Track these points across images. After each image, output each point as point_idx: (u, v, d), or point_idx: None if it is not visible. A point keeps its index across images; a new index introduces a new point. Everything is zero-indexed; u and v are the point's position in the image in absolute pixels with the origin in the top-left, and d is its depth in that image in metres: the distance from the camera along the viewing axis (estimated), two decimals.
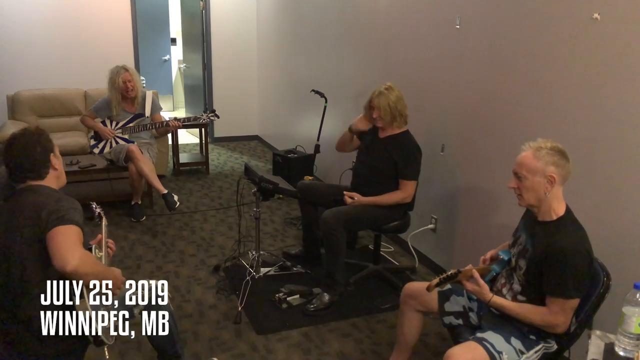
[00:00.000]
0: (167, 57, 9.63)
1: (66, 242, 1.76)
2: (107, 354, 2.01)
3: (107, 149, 4.57)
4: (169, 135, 5.72)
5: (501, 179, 3.08)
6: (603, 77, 2.40)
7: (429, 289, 2.12)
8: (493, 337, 1.99)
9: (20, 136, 2.01)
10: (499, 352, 1.94)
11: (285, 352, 2.83)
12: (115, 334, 2.00)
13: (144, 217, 4.62)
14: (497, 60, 3.05)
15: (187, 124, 4.88)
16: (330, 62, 5.21)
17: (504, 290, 2.11)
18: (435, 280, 2.07)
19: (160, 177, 5.62)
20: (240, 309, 3.13)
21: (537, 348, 2.01)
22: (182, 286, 3.49)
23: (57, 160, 2.05)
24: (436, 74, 3.61)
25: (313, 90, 5.00)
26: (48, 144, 2.04)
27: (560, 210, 1.97)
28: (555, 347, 2.03)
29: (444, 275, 2.05)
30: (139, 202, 4.66)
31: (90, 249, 2.06)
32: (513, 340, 2.00)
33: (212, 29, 7.27)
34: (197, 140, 6.93)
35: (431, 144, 3.64)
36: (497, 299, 2.02)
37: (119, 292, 2.07)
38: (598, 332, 1.74)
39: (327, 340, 2.95)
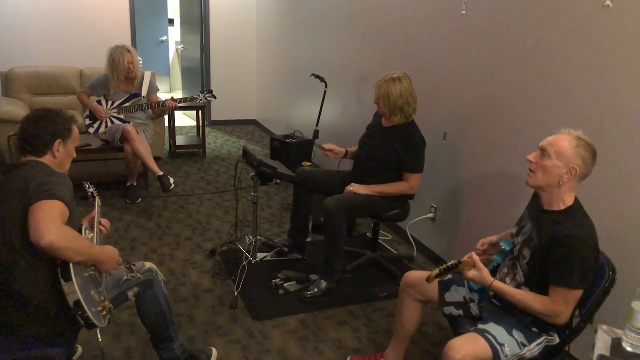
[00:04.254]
0: (164, 38, 9.49)
1: (45, 216, 1.72)
2: (99, 336, 1.97)
3: (102, 129, 4.50)
4: (166, 117, 5.64)
5: (504, 169, 3.04)
6: (615, 66, 2.34)
7: (429, 280, 2.07)
8: (495, 329, 1.96)
9: (41, 111, 2.00)
10: (501, 345, 1.91)
11: (281, 338, 2.80)
12: (109, 316, 1.96)
13: (140, 199, 4.56)
14: (503, 47, 2.99)
15: (183, 105, 4.80)
16: (331, 47, 5.13)
17: (507, 281, 2.07)
18: (436, 271, 2.02)
19: (157, 159, 5.54)
20: (236, 294, 3.09)
21: (539, 341, 1.98)
22: (178, 270, 3.45)
23: (63, 150, 2.00)
24: (440, 60, 3.54)
25: (313, 75, 4.93)
26: (61, 129, 2.00)
27: (569, 201, 1.92)
28: (558, 340, 2.00)
29: (445, 266, 2.00)
30: (135, 184, 4.60)
31: (80, 229, 2.00)
32: (515, 332, 1.97)
33: (211, 10, 7.15)
34: (194, 123, 6.86)
35: (433, 132, 3.59)
36: (498, 284, 1.97)
37: (114, 272, 2.03)
38: (605, 327, 1.70)
39: (324, 327, 2.92)
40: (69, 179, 1.98)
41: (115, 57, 4.36)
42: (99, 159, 4.67)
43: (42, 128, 1.94)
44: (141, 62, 8.16)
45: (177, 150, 6.04)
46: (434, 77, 3.61)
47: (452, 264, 1.98)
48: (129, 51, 4.39)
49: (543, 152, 1.93)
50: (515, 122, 2.94)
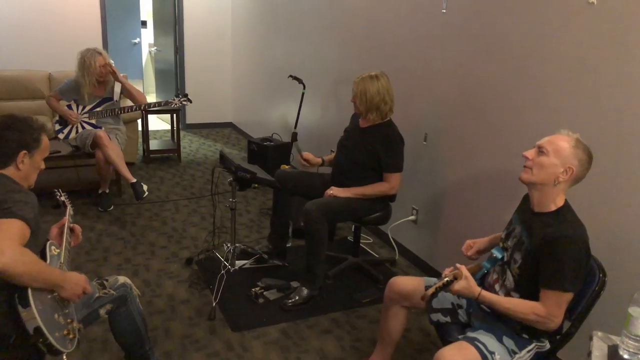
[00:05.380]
0: (137, 40, 9.28)
1: (1, 236, 1.58)
2: None
3: (72, 134, 4.32)
4: (139, 121, 5.48)
5: (486, 169, 2.99)
6: (598, 64, 2.30)
7: (423, 299, 2.02)
8: (484, 337, 1.89)
9: (8, 118, 1.87)
10: (492, 353, 1.84)
11: (262, 350, 2.69)
12: (77, 338, 1.83)
13: (112, 207, 4.40)
14: (485, 46, 2.94)
15: (157, 109, 4.65)
16: (309, 48, 5.04)
17: (497, 287, 2.01)
18: (431, 290, 1.95)
19: (130, 164, 5.37)
20: (214, 304, 2.97)
21: (529, 347, 1.92)
22: (153, 280, 3.31)
23: (28, 162, 1.87)
24: (421, 60, 3.48)
25: (291, 76, 4.83)
26: (29, 140, 1.87)
27: (560, 202, 1.88)
28: (548, 346, 1.95)
29: (440, 283, 1.93)
30: (107, 191, 4.43)
31: (44, 245, 1.87)
32: (505, 339, 1.91)
33: (185, 11, 7.00)
34: (169, 127, 6.68)
35: (414, 133, 3.53)
36: (486, 294, 1.91)
37: (77, 300, 1.87)
38: (600, 334, 1.64)
39: (306, 336, 2.82)
40: (34, 195, 1.85)
41: (87, 60, 4.18)
42: (69, 166, 4.49)
43: (8, 137, 1.81)
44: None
45: (151, 155, 5.86)
46: (415, 78, 3.55)
47: (447, 280, 1.92)
48: (100, 54, 4.22)
49: (540, 149, 1.89)
50: (497, 122, 2.89)
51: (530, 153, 1.92)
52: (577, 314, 1.90)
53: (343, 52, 4.42)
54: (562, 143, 1.85)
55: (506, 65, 2.80)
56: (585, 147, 1.85)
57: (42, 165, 1.95)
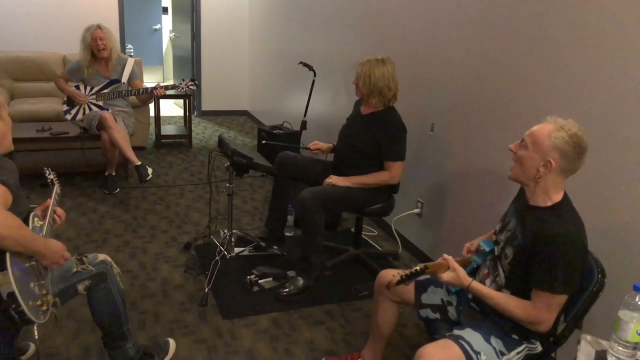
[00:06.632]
0: (157, 27, 9.30)
1: None
2: (35, 333, 1.81)
3: (79, 116, 4.32)
4: (151, 106, 5.46)
5: (495, 162, 2.87)
6: (620, 48, 2.14)
7: (389, 287, 1.89)
8: (471, 336, 1.79)
9: None
10: (477, 353, 1.74)
11: (250, 338, 2.63)
12: (51, 311, 1.80)
13: (117, 189, 4.39)
14: (495, 32, 2.80)
15: (170, 93, 4.61)
16: (321, 35, 4.94)
17: (487, 282, 1.89)
18: (397, 277, 1.81)
19: (140, 149, 5.40)
20: (207, 290, 2.92)
21: (519, 349, 1.81)
22: (149, 263, 3.28)
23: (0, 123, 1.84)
24: (428, 47, 3.36)
25: (301, 63, 4.73)
26: None
27: (557, 197, 1.74)
28: (540, 348, 1.83)
29: (408, 271, 1.80)
30: (113, 174, 4.42)
31: (27, 215, 1.84)
32: (493, 339, 1.80)
33: None
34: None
35: (420, 123, 3.41)
36: (477, 285, 1.80)
37: (56, 267, 1.86)
38: (589, 338, 1.52)
39: (297, 327, 2.75)
40: (12, 162, 1.83)
41: (84, 33, 4.19)
42: (76, 148, 4.49)
43: None
44: (132, 50, 7.96)
45: (162, 140, 5.86)
46: (421, 65, 3.43)
47: (416, 270, 1.79)
48: (98, 27, 4.20)
49: (522, 142, 1.76)
50: (508, 112, 2.75)
51: (514, 145, 1.79)
52: (572, 315, 1.79)
53: (353, 41, 4.31)
54: (541, 134, 1.69)
55: (517, 52, 2.65)
56: (572, 135, 1.66)
57: (10, 121, 1.92)
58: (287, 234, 3.68)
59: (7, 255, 1.64)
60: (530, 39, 2.56)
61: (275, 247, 3.46)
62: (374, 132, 2.97)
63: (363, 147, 3.02)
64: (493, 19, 2.81)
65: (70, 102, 4.33)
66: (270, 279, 3.11)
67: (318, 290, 3.08)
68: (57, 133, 4.30)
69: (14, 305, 1.62)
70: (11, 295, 1.62)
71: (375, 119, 3.00)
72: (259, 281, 3.07)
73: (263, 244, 3.41)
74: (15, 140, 1.98)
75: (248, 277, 3.07)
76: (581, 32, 2.28)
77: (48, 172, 2.28)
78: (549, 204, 1.74)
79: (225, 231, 3.29)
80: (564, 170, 1.70)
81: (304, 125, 4.77)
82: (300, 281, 3.02)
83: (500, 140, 2.80)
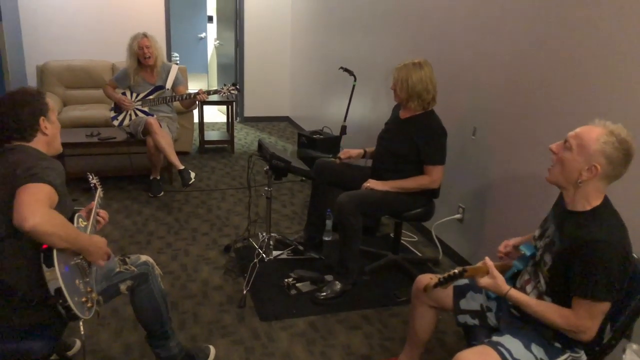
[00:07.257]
0: (203, 35, 9.52)
1: (30, 199, 1.63)
2: (82, 329, 1.87)
3: (126, 121, 4.47)
4: (195, 112, 5.59)
5: (539, 167, 2.78)
6: None
7: (426, 289, 1.86)
8: (510, 342, 1.73)
9: (12, 94, 1.93)
10: None
11: (287, 341, 2.64)
12: (95, 308, 1.86)
13: (162, 193, 4.51)
14: (541, 32, 2.72)
15: (207, 98, 4.71)
16: (362, 41, 4.94)
17: (528, 288, 1.83)
18: (434, 280, 1.78)
19: (184, 154, 5.54)
20: (245, 292, 2.95)
21: (562, 358, 1.74)
22: (190, 265, 3.34)
23: (50, 125, 1.94)
24: (469, 49, 3.30)
25: (342, 68, 4.75)
26: (39, 106, 1.93)
27: (596, 202, 1.67)
28: (585, 358, 1.76)
29: (446, 274, 1.76)
30: (158, 178, 4.54)
31: (72, 216, 1.91)
32: (534, 347, 1.74)
33: (245, 6, 7.08)
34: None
35: (462, 127, 3.35)
36: (515, 293, 1.74)
37: (102, 262, 1.93)
38: (635, 346, 1.46)
39: (334, 331, 2.74)
40: (60, 164, 1.91)
41: (131, 41, 4.33)
42: (123, 152, 4.64)
43: (21, 111, 1.86)
44: (178, 58, 8.17)
45: (206, 146, 5.98)
46: (462, 69, 3.37)
47: (454, 273, 1.75)
48: (145, 35, 4.34)
49: (566, 143, 1.69)
50: (555, 115, 2.66)
51: (556, 146, 1.73)
52: (619, 323, 1.71)
53: (394, 43, 4.29)
54: (590, 136, 1.62)
55: (566, 49, 2.56)
56: (621, 141, 1.59)
57: (59, 124, 2.01)
58: (326, 239, 3.68)
59: (54, 252, 1.70)
60: (584, 39, 2.47)
61: (312, 251, 3.46)
62: (413, 136, 2.94)
63: (402, 151, 2.99)
64: (540, 18, 2.73)
65: (118, 108, 4.49)
66: (308, 282, 3.11)
67: (356, 294, 3.06)
68: (105, 138, 4.45)
69: (60, 301, 1.68)
70: (58, 291, 1.67)
71: (414, 123, 2.97)
72: (297, 284, 3.08)
73: (301, 247, 3.42)
74: (66, 145, 2.07)
75: (286, 280, 3.09)
76: None
77: (91, 176, 2.36)
78: (588, 208, 1.67)
79: (264, 234, 3.32)
80: (608, 176, 1.64)
81: (343, 130, 4.78)
82: (338, 285, 3.01)
83: (545, 144, 2.71)
